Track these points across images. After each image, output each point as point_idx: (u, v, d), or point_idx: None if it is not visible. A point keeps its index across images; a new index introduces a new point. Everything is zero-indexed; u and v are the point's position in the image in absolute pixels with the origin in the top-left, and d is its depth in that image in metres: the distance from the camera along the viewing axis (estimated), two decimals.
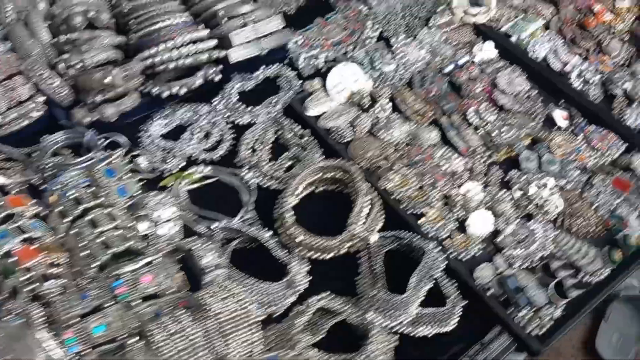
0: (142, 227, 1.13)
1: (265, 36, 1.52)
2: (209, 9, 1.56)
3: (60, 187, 1.14)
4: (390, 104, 1.50)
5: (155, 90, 1.43)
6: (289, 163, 1.41)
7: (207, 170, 1.38)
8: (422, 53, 1.62)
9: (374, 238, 1.20)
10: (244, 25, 1.53)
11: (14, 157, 1.33)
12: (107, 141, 1.38)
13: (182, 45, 1.44)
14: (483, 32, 1.67)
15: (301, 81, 1.56)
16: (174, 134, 1.47)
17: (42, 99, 1.37)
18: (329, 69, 1.59)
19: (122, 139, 1.40)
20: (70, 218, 1.09)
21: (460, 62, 1.60)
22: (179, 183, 1.34)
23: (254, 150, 1.43)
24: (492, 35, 1.66)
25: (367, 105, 1.50)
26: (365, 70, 1.57)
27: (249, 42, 1.50)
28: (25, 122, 1.34)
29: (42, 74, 1.35)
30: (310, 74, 1.61)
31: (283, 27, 1.59)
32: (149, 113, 1.49)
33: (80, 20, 1.44)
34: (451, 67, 1.59)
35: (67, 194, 1.12)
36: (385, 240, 1.23)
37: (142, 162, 1.37)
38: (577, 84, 1.55)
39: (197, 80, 1.45)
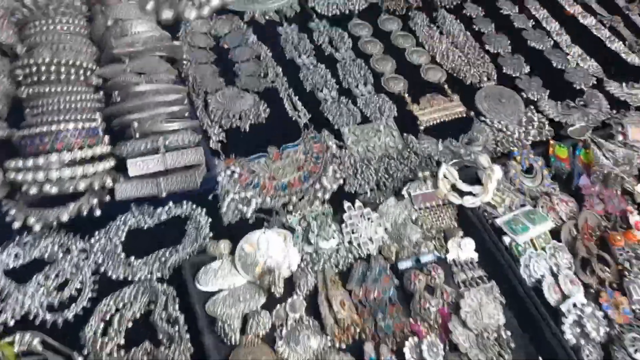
0: None
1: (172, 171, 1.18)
2: (124, 115, 1.24)
3: None
4: (305, 303, 1.12)
5: (8, 216, 1.11)
6: None
7: (34, 341, 1.03)
8: (380, 232, 1.23)
9: None
10: (155, 150, 1.19)
11: None
12: None
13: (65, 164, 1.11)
14: (468, 220, 1.27)
15: (211, 233, 1.21)
16: (28, 271, 1.14)
17: None
18: (255, 224, 1.24)
19: None
20: None
21: (424, 258, 1.20)
22: None
23: (108, 325, 1.08)
24: (479, 227, 1.25)
25: (278, 294, 1.12)
26: (296, 241, 1.20)
27: (146, 176, 1.16)
28: None
29: None
30: (232, 223, 1.25)
31: (210, 159, 1.26)
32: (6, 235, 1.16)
33: None
34: (408, 263, 1.19)
35: None
36: None
37: None
38: (569, 334, 1.12)
39: (64, 215, 1.11)
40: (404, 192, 1.29)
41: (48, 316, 1.07)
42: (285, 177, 1.33)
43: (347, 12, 1.79)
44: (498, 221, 1.27)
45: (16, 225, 1.09)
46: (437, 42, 1.73)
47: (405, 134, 1.45)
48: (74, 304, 1.09)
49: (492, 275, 1.20)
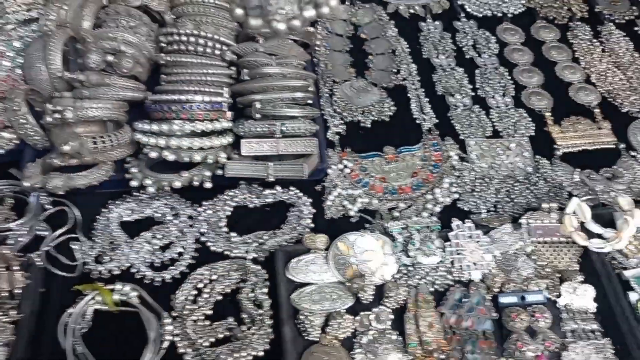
0: None
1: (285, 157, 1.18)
2: (248, 94, 1.26)
3: None
4: (391, 316, 1.07)
5: (129, 174, 1.18)
6: (223, 335, 1.06)
7: (132, 294, 1.09)
8: (487, 259, 1.14)
9: None
10: (271, 134, 1.20)
11: None
12: (52, 210, 1.17)
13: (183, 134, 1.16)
14: (591, 265, 1.12)
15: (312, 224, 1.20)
16: (140, 226, 1.21)
17: (9, 136, 1.19)
18: (357, 224, 1.21)
19: (74, 211, 1.18)
20: None
21: (531, 297, 1.09)
22: (88, 299, 1.07)
23: (199, 294, 1.11)
24: (603, 276, 1.10)
25: (365, 301, 1.08)
26: (395, 250, 1.14)
27: (256, 157, 1.17)
28: None
29: (17, 110, 1.16)
30: (335, 219, 1.23)
31: (325, 149, 1.24)
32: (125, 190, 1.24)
33: (96, 60, 1.22)
34: (512, 299, 1.09)
35: None
36: None
37: (76, 251, 1.13)
38: None
39: (176, 182, 1.16)
40: (522, 220, 1.18)
41: (148, 273, 1.13)
42: (397, 182, 1.28)
43: (499, 14, 1.66)
44: (626, 273, 1.12)
45: (134, 183, 1.17)
46: (597, 60, 1.55)
47: (537, 157, 1.32)
48: (172, 267, 1.14)
49: (607, 332, 1.06)
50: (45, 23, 1.33)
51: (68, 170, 1.17)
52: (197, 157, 1.15)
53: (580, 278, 1.11)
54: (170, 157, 1.14)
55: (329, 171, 1.27)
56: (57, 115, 1.14)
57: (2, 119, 1.19)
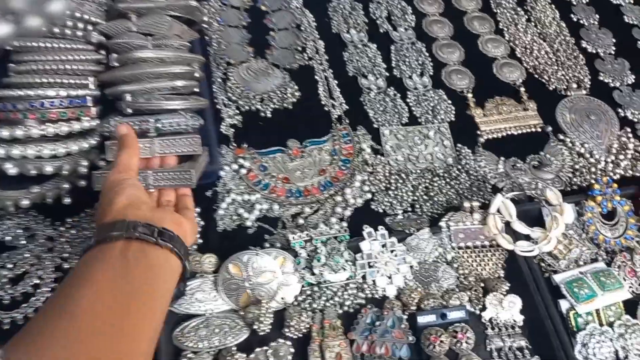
0: None
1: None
2: (118, 84, 1.03)
3: None
4: (292, 350, 0.90)
5: None
6: None
7: None
8: (403, 270, 0.99)
9: None
10: (144, 132, 0.99)
11: None
12: None
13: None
14: (518, 271, 1.00)
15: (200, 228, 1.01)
16: None
17: None
18: (256, 235, 1.03)
19: None
20: None
21: (452, 315, 0.94)
22: None
23: None
24: (531, 283, 0.98)
25: (262, 332, 0.91)
26: (298, 268, 0.97)
27: None
28: None
29: None
30: (228, 230, 1.04)
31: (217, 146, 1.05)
32: None
33: None
34: (431, 318, 0.94)
35: None
36: None
37: None
38: None
39: (23, 200, 0.93)
40: (442, 223, 1.03)
41: None
42: (302, 182, 1.11)
43: None
44: (557, 278, 1.00)
45: None
46: (522, 31, 1.41)
47: (459, 145, 1.18)
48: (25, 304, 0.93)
49: (536, 349, 0.94)
50: None
51: None
52: (49, 169, 0.93)
53: (506, 287, 0.99)
54: (11, 170, 0.91)
55: (222, 173, 1.08)
56: None
57: None
